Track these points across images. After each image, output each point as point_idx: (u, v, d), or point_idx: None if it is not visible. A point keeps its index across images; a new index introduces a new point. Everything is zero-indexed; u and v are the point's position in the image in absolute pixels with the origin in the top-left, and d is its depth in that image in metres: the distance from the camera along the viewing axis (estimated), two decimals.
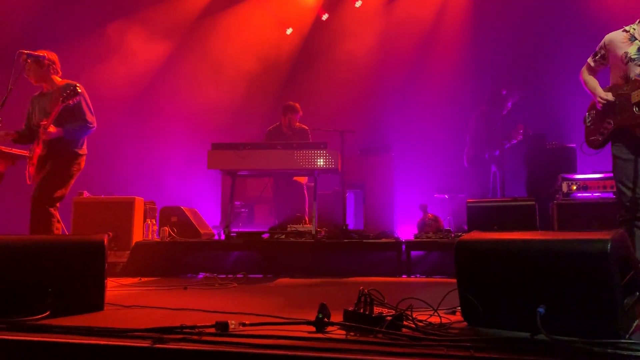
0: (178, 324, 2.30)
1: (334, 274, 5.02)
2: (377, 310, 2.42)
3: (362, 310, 2.40)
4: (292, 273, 5.07)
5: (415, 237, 5.70)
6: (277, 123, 6.77)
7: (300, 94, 7.99)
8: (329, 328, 2.37)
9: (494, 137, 6.70)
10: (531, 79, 7.68)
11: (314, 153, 5.45)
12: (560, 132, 6.72)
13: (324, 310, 2.37)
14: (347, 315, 2.46)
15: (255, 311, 2.75)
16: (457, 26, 8.42)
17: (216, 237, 6.04)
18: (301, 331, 2.31)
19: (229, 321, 2.32)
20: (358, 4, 8.84)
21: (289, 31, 9.07)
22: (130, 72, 7.97)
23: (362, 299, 2.42)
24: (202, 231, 5.92)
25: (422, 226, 6.20)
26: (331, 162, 5.44)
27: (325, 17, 9.05)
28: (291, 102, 6.70)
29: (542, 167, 6.22)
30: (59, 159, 4.56)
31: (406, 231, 7.09)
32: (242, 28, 8.66)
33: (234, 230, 5.78)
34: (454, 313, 2.77)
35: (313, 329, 2.35)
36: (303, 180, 6.75)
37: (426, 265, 5.21)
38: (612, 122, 3.34)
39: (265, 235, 5.56)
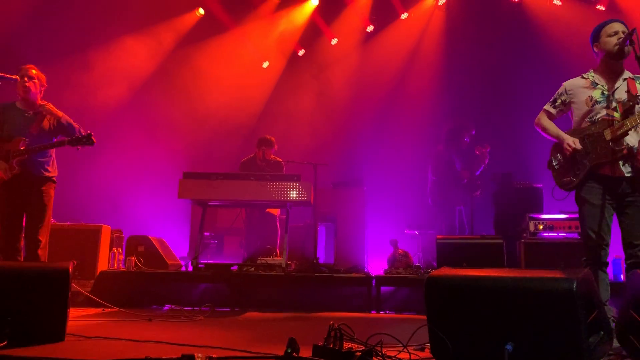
0: (142, 357, 2.23)
1: (303, 308, 4.97)
2: (346, 345, 2.40)
3: (331, 346, 2.37)
4: (261, 307, 4.99)
5: (386, 272, 5.71)
6: (252, 155, 6.78)
7: (274, 127, 8.04)
8: None
9: (453, 175, 6.81)
10: (500, 121, 7.93)
11: (287, 185, 5.45)
12: (527, 172, 6.90)
13: (292, 345, 2.34)
14: (316, 350, 2.42)
15: (223, 345, 2.70)
16: (429, 66, 8.66)
17: (183, 269, 5.93)
18: None
19: (195, 354, 2.27)
20: (334, 42, 9.04)
21: (265, 64, 9.19)
22: (102, 98, 7.90)
23: (332, 333, 2.40)
24: (169, 262, 5.80)
25: (393, 261, 6.22)
26: (304, 194, 5.45)
27: (301, 52, 9.22)
28: (267, 136, 6.73)
29: (510, 206, 6.36)
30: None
31: (376, 266, 7.09)
32: (219, 59, 8.72)
33: (202, 261, 5.69)
34: (422, 349, 2.76)
35: None
36: (276, 212, 6.73)
37: (396, 301, 5.20)
38: (586, 162, 3.43)
39: (234, 268, 5.49)
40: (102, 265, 5.49)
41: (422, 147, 8.07)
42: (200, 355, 2.28)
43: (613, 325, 2.69)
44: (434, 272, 2.65)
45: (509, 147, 7.64)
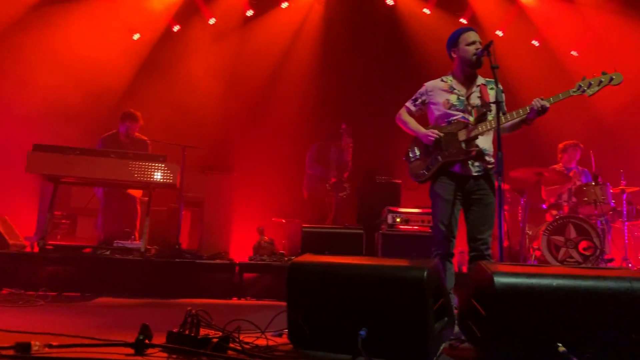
0: None
1: (162, 295, 4.77)
2: (203, 332, 2.33)
3: (187, 332, 2.29)
4: (116, 292, 4.70)
5: (250, 259, 5.69)
6: (114, 131, 6.34)
7: (142, 103, 7.57)
8: (150, 350, 2.22)
9: (329, 168, 7.05)
10: (366, 119, 8.24)
11: (152, 166, 5.18)
12: (389, 168, 7.28)
13: (145, 331, 2.22)
14: (170, 337, 2.33)
15: (67, 332, 2.48)
16: (306, 58, 8.75)
17: (28, 249, 5.38)
18: (118, 354, 2.13)
19: (31, 342, 2.05)
20: (212, 22, 8.76)
21: (136, 36, 8.62)
22: None
23: (189, 320, 2.31)
24: (11, 242, 5.24)
25: (258, 249, 6.21)
26: (169, 176, 5.22)
27: (176, 28, 8.80)
28: (132, 110, 6.33)
29: (372, 199, 6.65)
30: None
31: (242, 253, 7.04)
32: (85, 28, 8.00)
33: (51, 242, 5.21)
34: (280, 335, 2.78)
35: (132, 351, 2.18)
36: (137, 193, 6.36)
37: (259, 288, 5.21)
38: (440, 157, 3.69)
39: (88, 250, 5.10)
40: None
41: (293, 138, 8.15)
42: (37, 343, 2.07)
43: (455, 312, 2.93)
44: (297, 259, 2.68)
45: (374, 143, 7.99)
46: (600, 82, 3.42)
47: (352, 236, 5.68)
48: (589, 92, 3.45)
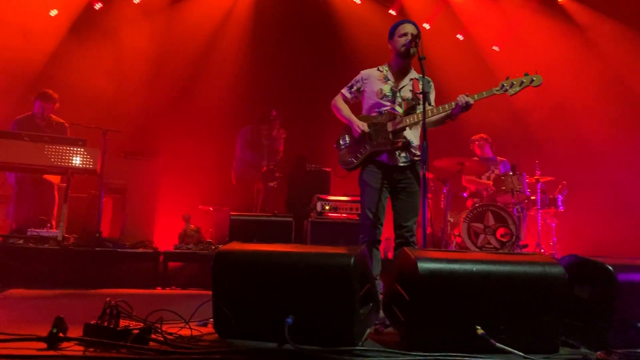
0: None
1: (81, 285, 4.56)
2: (123, 323, 2.23)
3: (106, 324, 2.19)
4: (29, 283, 4.43)
5: (175, 247, 5.54)
6: (30, 113, 5.95)
7: (61, 84, 7.14)
8: (64, 344, 2.10)
9: (261, 155, 7.01)
10: (297, 106, 8.21)
11: (70, 150, 4.92)
12: (319, 156, 7.31)
13: (59, 324, 2.10)
14: (88, 329, 2.21)
15: None
16: (237, 41, 8.57)
17: None
18: (29, 349, 2.00)
19: None
20: (137, 0, 8.37)
21: (53, 13, 8.09)
22: None
23: (108, 311, 2.21)
24: None
25: (184, 237, 6.07)
26: (89, 162, 4.97)
27: (98, 6, 8.34)
28: (48, 90, 5.96)
29: (302, 187, 6.67)
30: None
31: (167, 241, 6.84)
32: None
33: None
34: (205, 325, 2.72)
35: (44, 345, 2.06)
36: (55, 179, 6.02)
37: (184, 277, 5.10)
38: (368, 147, 3.74)
39: None
40: None
41: (226, 125, 7.99)
42: None
43: (381, 297, 2.99)
44: (224, 247, 2.63)
45: (305, 131, 7.99)
46: (522, 82, 3.57)
47: (281, 224, 5.68)
48: (511, 91, 3.60)
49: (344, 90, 3.95)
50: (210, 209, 7.26)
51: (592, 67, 8.43)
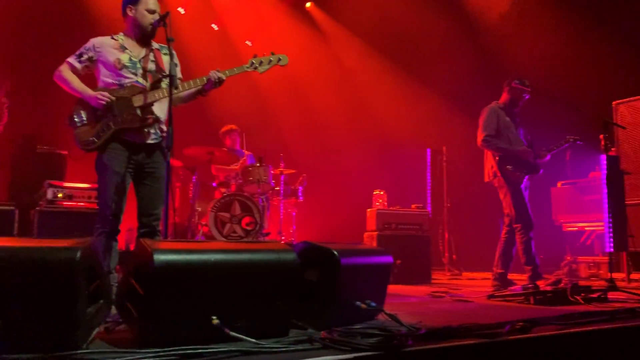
0: None
1: None
2: None
3: None
4: None
5: None
6: None
7: None
8: None
9: None
10: (27, 76, 7.00)
11: None
12: (53, 136, 6.38)
13: None
14: None
15: None
16: None
17: None
18: None
19: None
20: None
21: None
22: None
23: None
24: None
25: None
26: None
27: None
28: None
29: (29, 171, 5.80)
30: None
31: None
32: None
33: None
34: None
35: None
36: None
37: None
38: (112, 124, 3.37)
39: None
40: None
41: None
42: None
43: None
44: None
45: (36, 106, 6.92)
46: (270, 61, 3.69)
47: (1, 214, 4.90)
48: (260, 69, 3.69)
49: (72, 60, 3.47)
50: None
51: (331, 71, 9.42)
